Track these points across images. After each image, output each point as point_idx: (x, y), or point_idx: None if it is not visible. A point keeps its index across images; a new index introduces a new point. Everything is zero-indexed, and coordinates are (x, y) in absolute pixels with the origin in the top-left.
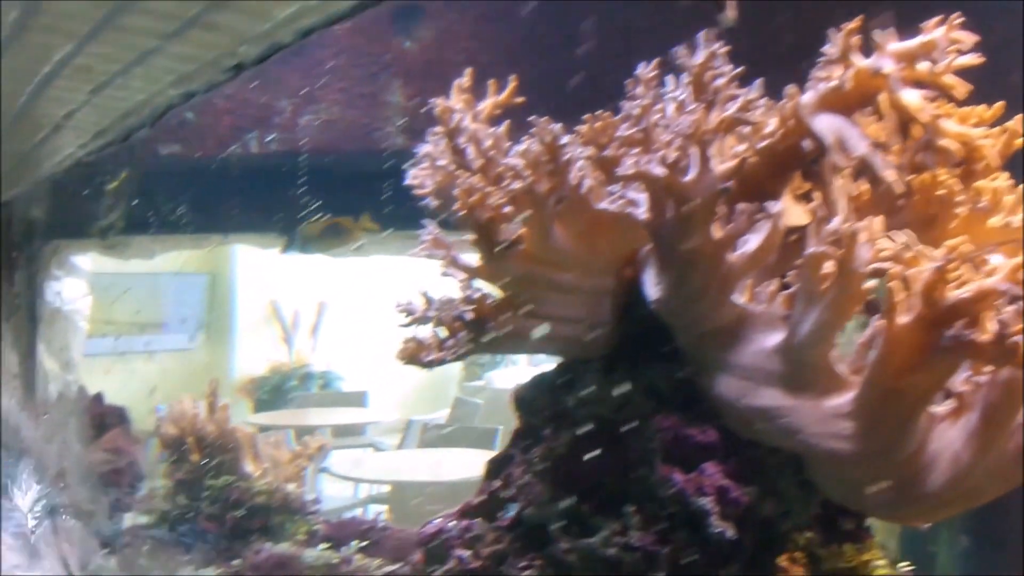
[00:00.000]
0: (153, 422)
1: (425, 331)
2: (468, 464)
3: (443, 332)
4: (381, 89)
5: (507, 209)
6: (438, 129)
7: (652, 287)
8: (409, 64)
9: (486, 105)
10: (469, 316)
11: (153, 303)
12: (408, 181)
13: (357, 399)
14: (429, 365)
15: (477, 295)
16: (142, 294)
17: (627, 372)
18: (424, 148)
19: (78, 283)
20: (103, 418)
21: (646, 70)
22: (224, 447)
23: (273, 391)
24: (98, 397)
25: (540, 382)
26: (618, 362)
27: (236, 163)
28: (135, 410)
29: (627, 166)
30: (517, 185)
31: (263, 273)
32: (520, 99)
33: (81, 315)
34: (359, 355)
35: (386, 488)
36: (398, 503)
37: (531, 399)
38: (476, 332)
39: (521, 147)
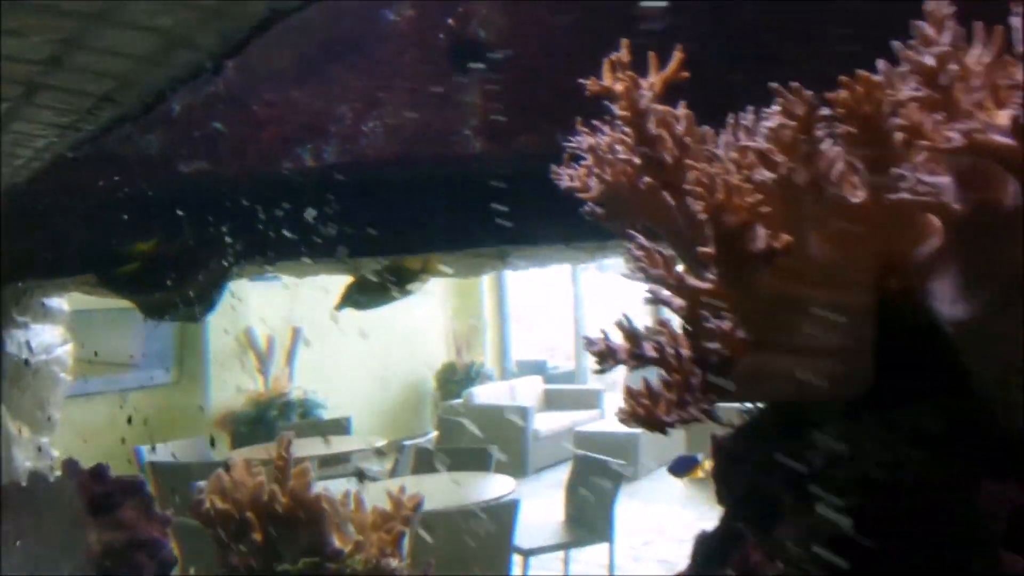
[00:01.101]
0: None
1: (634, 378)
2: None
3: (669, 378)
4: (455, 87)
5: (762, 210)
6: (621, 113)
7: (952, 304)
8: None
9: (654, 81)
10: (715, 355)
11: (121, 339)
12: (563, 184)
13: (341, 426)
14: (662, 428)
15: (723, 326)
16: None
17: (878, 414)
18: (583, 140)
19: (54, 330)
20: (107, 497)
21: (939, 3)
22: (301, 520)
23: (252, 423)
24: (99, 471)
25: (753, 430)
26: (863, 401)
27: (282, 180)
28: (110, 457)
29: (947, 136)
30: (765, 176)
31: (234, 300)
32: (685, 74)
33: (61, 365)
34: (334, 380)
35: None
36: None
37: (749, 453)
38: (721, 376)
39: (768, 124)
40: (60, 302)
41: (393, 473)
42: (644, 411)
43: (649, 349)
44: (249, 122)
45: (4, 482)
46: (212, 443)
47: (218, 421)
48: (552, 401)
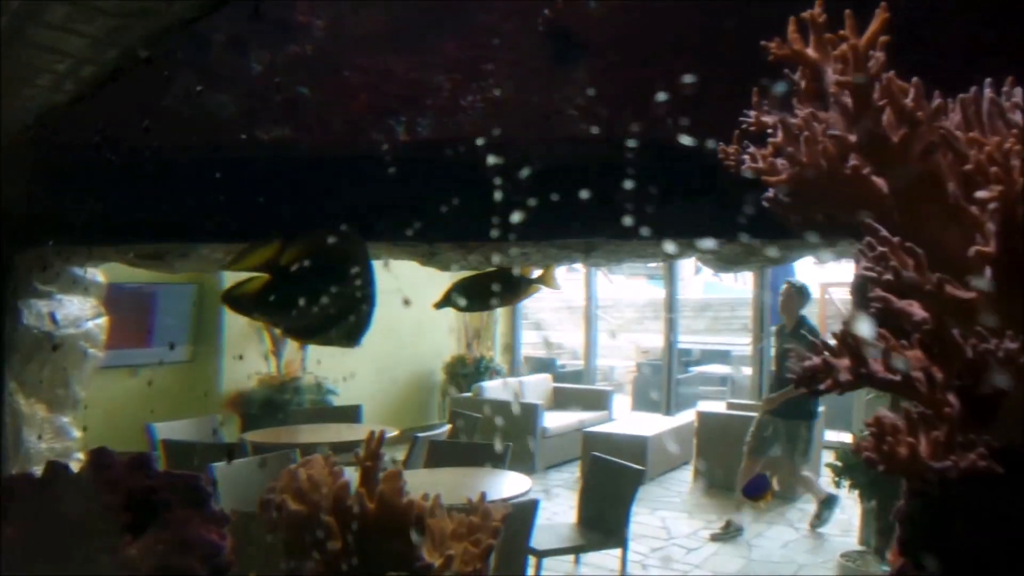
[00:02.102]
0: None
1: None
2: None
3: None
4: (559, 62)
5: None
6: (838, 80)
7: None
8: (596, 31)
9: (857, 43)
10: (985, 383)
11: (138, 314)
12: (746, 166)
13: (352, 413)
14: (926, 475)
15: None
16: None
17: None
18: (770, 116)
19: (85, 302)
20: (151, 493)
21: None
22: (389, 528)
23: (263, 406)
24: (142, 461)
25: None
26: None
27: (374, 154)
28: (122, 429)
29: None
30: None
31: None
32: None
33: (91, 340)
34: (344, 367)
35: None
36: None
37: (973, 503)
38: (989, 409)
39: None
40: (94, 272)
41: (406, 465)
42: (905, 452)
43: (880, 369)
44: (338, 89)
45: (9, 472)
46: (219, 425)
47: (229, 402)
48: (560, 400)
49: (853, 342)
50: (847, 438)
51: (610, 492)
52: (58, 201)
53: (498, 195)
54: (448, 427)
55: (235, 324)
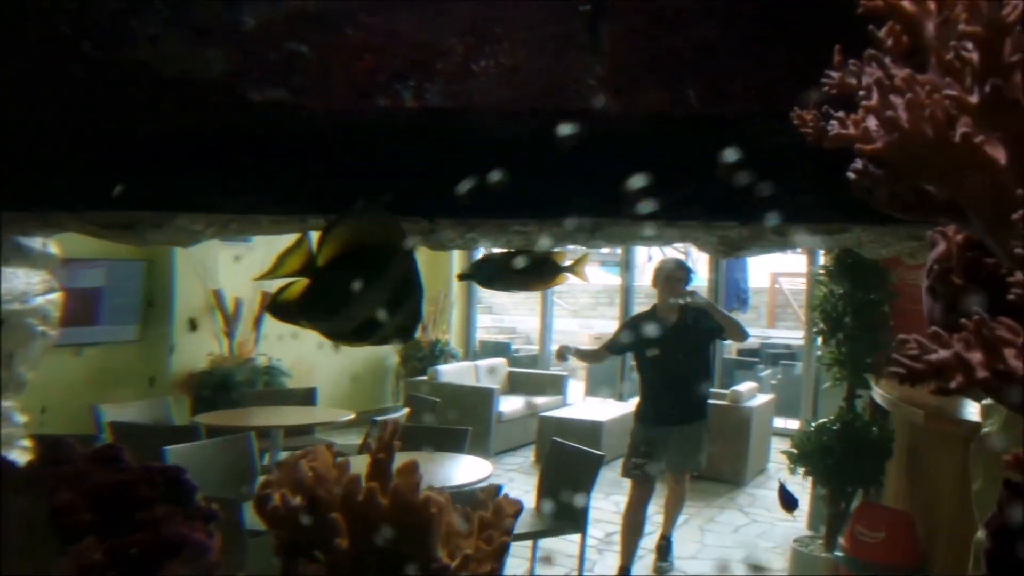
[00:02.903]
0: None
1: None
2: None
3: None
4: (576, 29)
5: None
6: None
7: None
8: None
9: None
10: None
11: (84, 291)
12: (835, 132)
13: (306, 396)
14: None
15: None
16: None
17: None
18: (865, 75)
19: (33, 275)
20: (124, 489)
21: None
22: (404, 526)
23: (216, 388)
24: (110, 453)
25: None
26: None
27: (378, 121)
28: (65, 411)
29: None
30: None
31: (204, 259)
32: None
33: (40, 317)
34: (298, 349)
35: None
36: None
37: None
38: None
39: None
40: (45, 243)
41: (363, 449)
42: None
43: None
44: (341, 48)
45: None
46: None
47: (180, 383)
48: (515, 384)
49: (989, 334)
50: (795, 425)
51: (570, 477)
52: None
53: (507, 169)
54: (406, 411)
55: (186, 303)
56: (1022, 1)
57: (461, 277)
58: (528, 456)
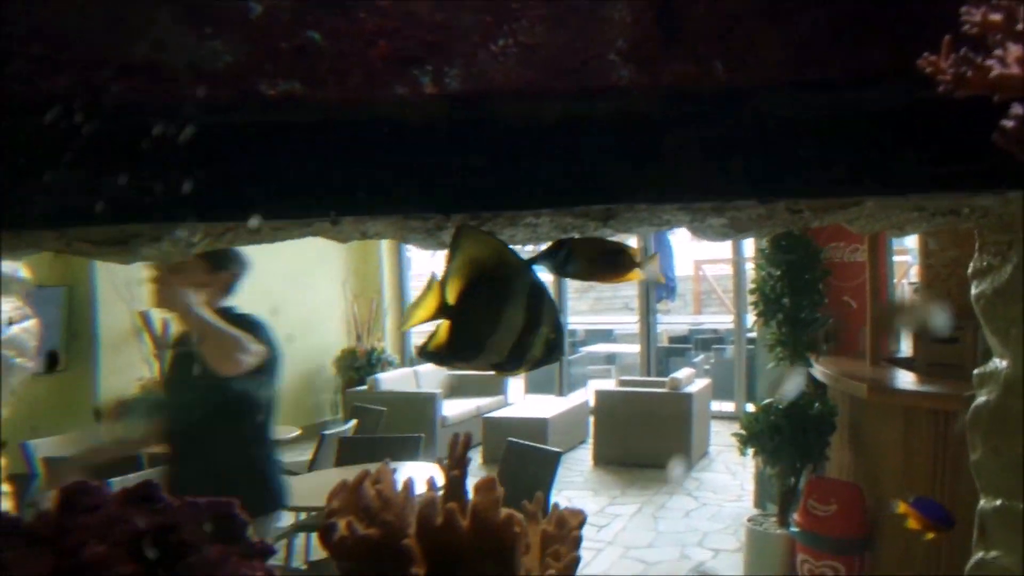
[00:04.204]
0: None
1: None
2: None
3: None
4: (599, 3)
5: None
6: None
7: None
8: None
9: None
10: None
11: None
12: (996, 73)
13: None
14: None
15: None
16: None
17: None
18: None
19: (6, 302)
20: (167, 532)
21: None
22: (485, 550)
23: (147, 413)
24: (147, 493)
25: None
26: None
27: (397, 111)
28: None
29: None
30: None
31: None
32: None
33: (15, 347)
34: None
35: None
36: None
37: None
38: None
39: None
40: (14, 266)
41: (312, 465)
42: None
43: None
44: (355, 34)
45: None
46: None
47: (108, 411)
48: (456, 387)
49: None
50: (731, 408)
51: (530, 476)
52: None
53: (525, 155)
54: (354, 423)
55: (110, 328)
56: None
57: (532, 262)
58: (475, 458)
